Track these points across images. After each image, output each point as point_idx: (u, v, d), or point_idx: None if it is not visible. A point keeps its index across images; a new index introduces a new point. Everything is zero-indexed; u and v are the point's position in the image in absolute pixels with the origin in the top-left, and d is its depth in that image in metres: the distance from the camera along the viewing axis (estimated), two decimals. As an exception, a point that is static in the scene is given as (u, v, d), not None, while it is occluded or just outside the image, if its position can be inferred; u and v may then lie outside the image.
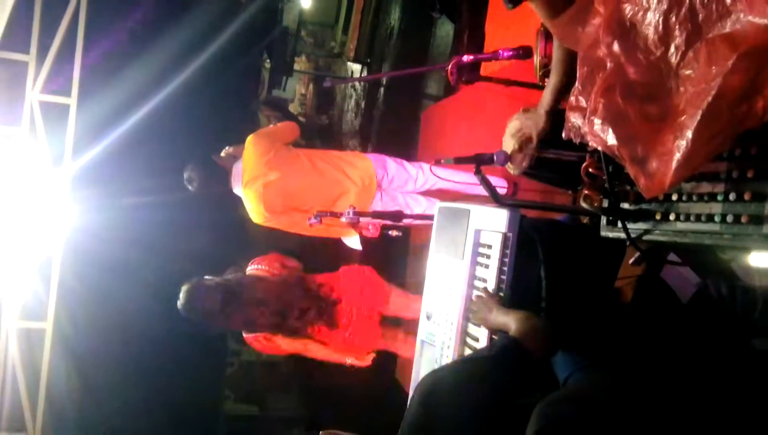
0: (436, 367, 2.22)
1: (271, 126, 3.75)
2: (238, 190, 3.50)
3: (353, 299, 3.28)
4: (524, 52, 2.65)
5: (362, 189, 3.52)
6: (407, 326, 3.43)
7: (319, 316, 3.16)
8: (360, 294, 3.30)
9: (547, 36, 2.44)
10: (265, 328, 3.12)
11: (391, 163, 3.63)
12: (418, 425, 1.54)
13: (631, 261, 2.23)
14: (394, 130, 6.77)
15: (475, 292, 2.17)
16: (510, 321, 1.81)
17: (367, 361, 3.40)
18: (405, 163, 3.69)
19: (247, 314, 3.05)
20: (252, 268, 3.25)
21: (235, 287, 3.04)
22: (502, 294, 2.08)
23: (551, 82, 1.84)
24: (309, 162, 3.52)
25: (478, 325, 2.16)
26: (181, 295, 3.02)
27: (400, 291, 3.47)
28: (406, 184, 3.66)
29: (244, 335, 3.25)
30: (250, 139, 3.50)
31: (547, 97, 1.88)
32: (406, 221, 3.35)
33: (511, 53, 2.68)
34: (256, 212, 3.49)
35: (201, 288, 3.02)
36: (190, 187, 3.52)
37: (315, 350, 3.30)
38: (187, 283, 3.05)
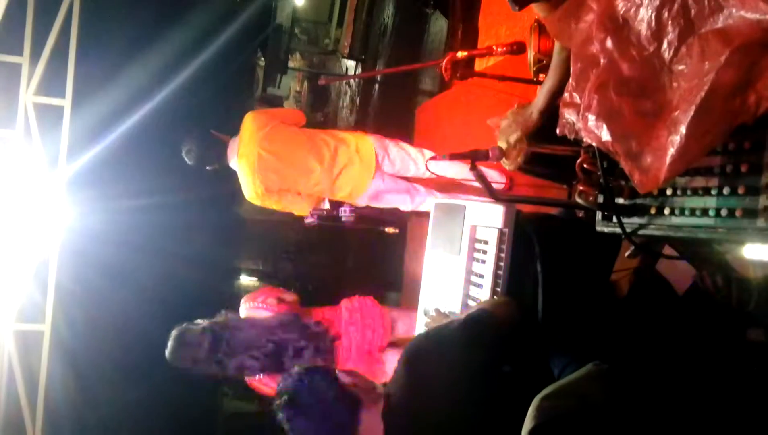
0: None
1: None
2: (233, 163, 3.47)
3: (354, 337, 3.13)
4: (518, 48, 2.66)
5: (361, 168, 3.47)
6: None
7: (316, 354, 2.99)
8: (361, 332, 3.15)
9: (541, 31, 2.44)
10: (259, 372, 2.95)
11: (392, 146, 3.60)
12: (403, 382, 1.62)
13: (627, 254, 2.23)
14: (389, 126, 6.76)
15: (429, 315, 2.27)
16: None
17: None
18: (406, 145, 3.65)
19: (238, 360, 2.87)
20: (245, 307, 3.08)
21: (223, 332, 2.86)
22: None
23: (547, 84, 1.84)
24: (307, 138, 3.49)
25: None
26: (168, 344, 2.86)
27: (404, 314, 3.31)
28: (407, 168, 3.60)
29: (247, 380, 3.06)
30: (249, 114, 3.49)
31: (541, 97, 1.89)
32: (404, 209, 3.34)
33: (505, 49, 2.69)
34: (250, 186, 3.42)
35: (187, 335, 2.85)
36: (187, 160, 3.49)
37: None
38: (174, 329, 2.89)
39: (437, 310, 2.25)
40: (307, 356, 2.96)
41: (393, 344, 3.27)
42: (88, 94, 5.23)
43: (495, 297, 2.04)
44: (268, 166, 3.39)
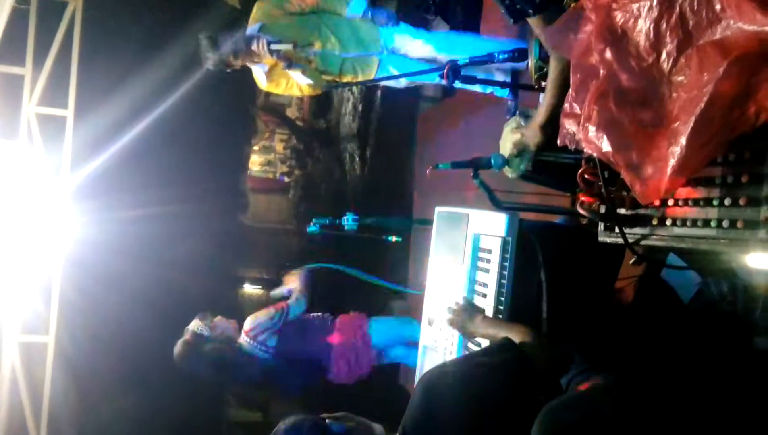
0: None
1: None
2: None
3: (346, 357, 3.35)
4: (520, 55, 2.66)
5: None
6: None
7: (304, 386, 3.34)
8: (354, 354, 3.36)
9: (542, 38, 2.45)
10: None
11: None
12: (419, 417, 1.56)
13: (631, 261, 2.23)
14: (392, 132, 6.77)
15: (454, 302, 2.16)
16: (509, 334, 1.79)
17: None
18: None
19: (235, 384, 3.38)
20: (245, 340, 3.20)
21: (223, 367, 3.15)
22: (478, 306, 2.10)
23: (547, 99, 1.84)
24: None
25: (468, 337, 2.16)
26: (177, 351, 3.10)
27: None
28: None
29: None
30: None
31: (542, 112, 1.89)
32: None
33: (506, 56, 2.69)
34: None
35: (191, 360, 3.11)
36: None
37: None
38: (181, 341, 3.10)
39: (464, 300, 2.15)
40: (294, 387, 3.39)
41: None
42: (91, 104, 5.24)
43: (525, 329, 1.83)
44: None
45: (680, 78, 1.14)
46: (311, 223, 3.36)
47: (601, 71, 1.27)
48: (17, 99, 5.19)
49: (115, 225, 5.22)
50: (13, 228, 5.08)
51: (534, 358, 1.65)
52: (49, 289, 5.20)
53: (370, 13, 3.53)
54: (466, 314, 2.04)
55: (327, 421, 1.64)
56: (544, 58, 2.46)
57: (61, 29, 5.10)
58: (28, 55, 5.17)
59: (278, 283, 3.48)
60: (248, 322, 3.20)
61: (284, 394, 3.30)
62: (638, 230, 1.43)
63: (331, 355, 3.32)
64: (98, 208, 5.20)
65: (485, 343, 2.07)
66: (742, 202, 1.16)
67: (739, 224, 1.17)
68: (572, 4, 1.42)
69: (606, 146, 1.25)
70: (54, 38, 5.10)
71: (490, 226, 2.16)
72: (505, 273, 2.09)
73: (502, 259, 2.09)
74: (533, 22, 1.58)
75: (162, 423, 5.93)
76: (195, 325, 3.12)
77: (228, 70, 3.47)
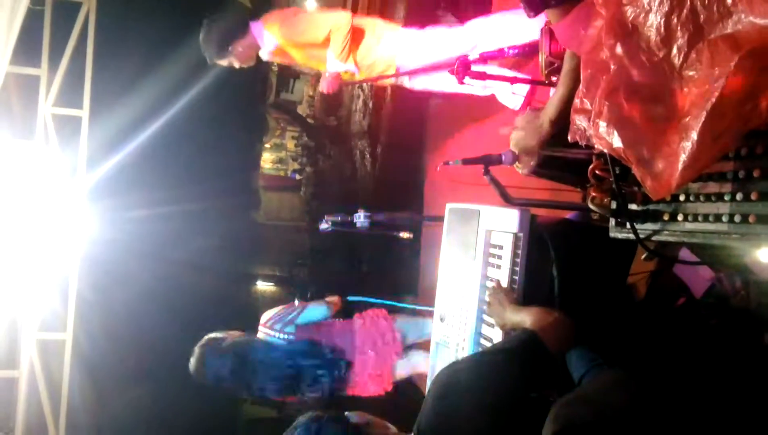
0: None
1: None
2: (257, 28, 3.41)
3: (365, 362, 3.26)
4: (530, 50, 2.65)
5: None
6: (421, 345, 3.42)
7: (332, 383, 3.16)
8: (374, 347, 3.28)
9: (552, 34, 2.44)
10: (277, 395, 3.15)
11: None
12: (434, 419, 1.55)
13: (643, 257, 2.22)
14: (403, 128, 6.77)
15: (489, 285, 2.16)
16: (526, 317, 1.81)
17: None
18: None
19: (259, 382, 3.07)
20: (263, 331, 3.15)
21: (246, 357, 3.04)
22: (515, 294, 2.09)
23: (558, 93, 1.82)
24: None
25: (492, 326, 2.17)
26: (192, 361, 3.04)
27: (412, 322, 3.44)
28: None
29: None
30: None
31: (552, 107, 1.87)
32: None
33: (516, 51, 2.69)
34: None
35: (210, 357, 3.03)
36: (206, 43, 3.38)
37: None
38: (198, 346, 3.06)
39: (499, 284, 2.12)
40: (323, 383, 3.14)
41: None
42: (105, 104, 5.31)
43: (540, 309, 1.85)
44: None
45: (691, 73, 1.14)
46: (323, 221, 3.37)
47: (612, 66, 1.27)
48: (33, 100, 5.26)
49: (131, 224, 5.29)
50: (30, 227, 5.15)
51: (547, 341, 1.64)
52: (66, 287, 5.27)
53: None
54: (498, 301, 2.03)
55: (346, 413, 1.64)
56: (555, 54, 2.45)
57: (76, 30, 5.16)
58: (44, 56, 5.24)
59: (290, 280, 3.50)
60: (265, 316, 3.17)
61: (312, 385, 3.14)
62: (650, 226, 1.43)
63: (356, 364, 3.24)
64: (114, 208, 5.26)
65: (497, 336, 2.09)
66: (754, 196, 1.16)
67: (751, 219, 1.17)
68: None
69: (617, 142, 1.24)
70: (69, 39, 5.17)
71: (502, 222, 2.16)
72: (517, 269, 2.09)
73: (514, 255, 2.10)
74: (551, 13, 1.56)
75: (178, 419, 5.99)
76: (207, 336, 3.11)
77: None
